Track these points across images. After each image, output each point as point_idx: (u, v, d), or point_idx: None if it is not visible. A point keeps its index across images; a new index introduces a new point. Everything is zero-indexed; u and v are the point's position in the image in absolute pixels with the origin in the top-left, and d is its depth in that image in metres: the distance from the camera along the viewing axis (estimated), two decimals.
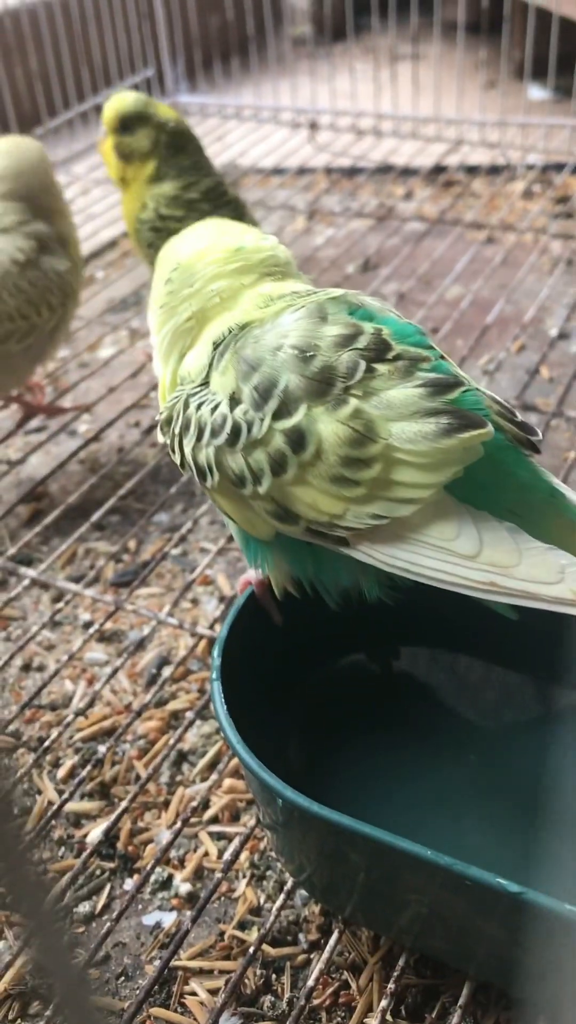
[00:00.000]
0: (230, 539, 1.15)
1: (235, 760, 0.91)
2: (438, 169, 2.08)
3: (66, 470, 1.34)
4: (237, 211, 1.31)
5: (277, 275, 0.78)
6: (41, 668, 1.06)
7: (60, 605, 1.04)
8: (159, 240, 1.24)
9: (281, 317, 0.72)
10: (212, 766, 0.93)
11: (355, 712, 0.89)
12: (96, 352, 1.58)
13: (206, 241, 0.81)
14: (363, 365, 0.68)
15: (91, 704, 0.98)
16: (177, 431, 0.74)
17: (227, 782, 0.91)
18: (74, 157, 2.17)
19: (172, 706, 0.99)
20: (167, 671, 0.99)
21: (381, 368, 0.68)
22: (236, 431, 0.69)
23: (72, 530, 1.24)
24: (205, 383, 0.73)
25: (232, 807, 0.89)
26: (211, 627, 1.03)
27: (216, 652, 0.77)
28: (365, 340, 0.69)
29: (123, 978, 0.79)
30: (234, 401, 0.70)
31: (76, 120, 2.21)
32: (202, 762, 0.93)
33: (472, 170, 2.08)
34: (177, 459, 0.75)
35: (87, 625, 1.11)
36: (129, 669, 1.04)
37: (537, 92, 2.39)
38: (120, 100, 1.31)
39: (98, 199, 2.03)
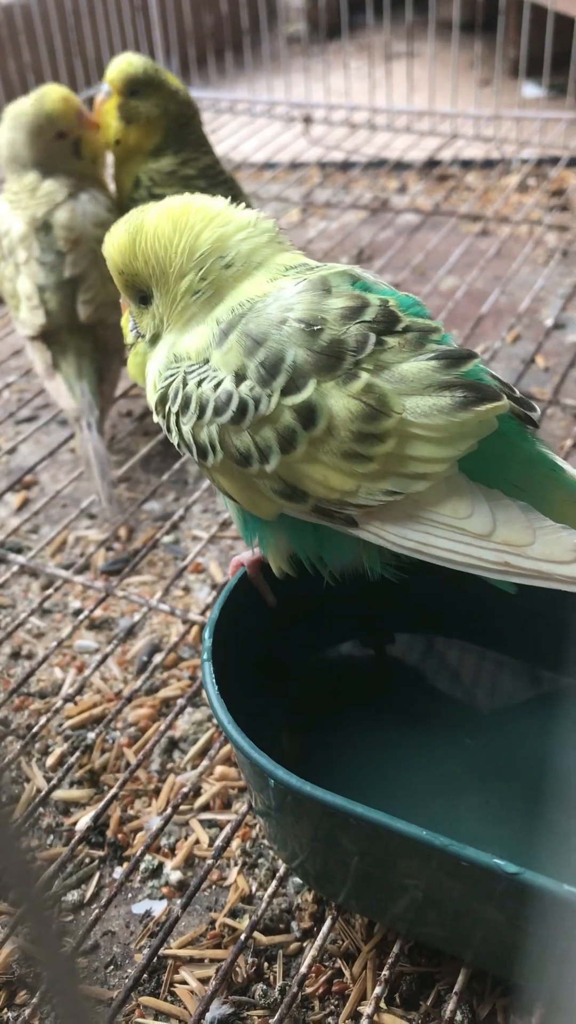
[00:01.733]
0: (222, 526, 1.14)
1: (227, 747, 0.90)
2: (432, 163, 2.07)
3: (56, 459, 1.33)
4: (233, 190, 1.29)
5: (286, 246, 0.76)
6: (30, 656, 1.05)
7: (50, 592, 1.03)
8: None
9: (283, 290, 0.70)
10: (203, 753, 0.91)
11: (349, 698, 0.87)
12: None
13: (223, 220, 0.74)
14: (373, 338, 0.67)
15: (80, 691, 0.96)
16: (174, 410, 0.71)
17: (219, 769, 0.89)
18: None
19: (163, 693, 0.97)
20: (158, 658, 0.97)
21: (391, 341, 0.67)
22: (242, 408, 0.67)
23: (62, 518, 1.23)
24: (205, 362, 0.71)
25: (224, 794, 0.88)
26: (203, 614, 1.01)
27: (207, 633, 0.75)
28: (373, 312, 0.68)
29: (112, 967, 0.77)
30: (239, 377, 0.68)
31: None
32: (193, 749, 0.92)
33: (466, 164, 2.07)
34: (174, 439, 0.73)
35: (77, 612, 1.09)
36: (119, 656, 1.03)
37: (532, 90, 2.38)
38: (130, 62, 1.25)
39: None
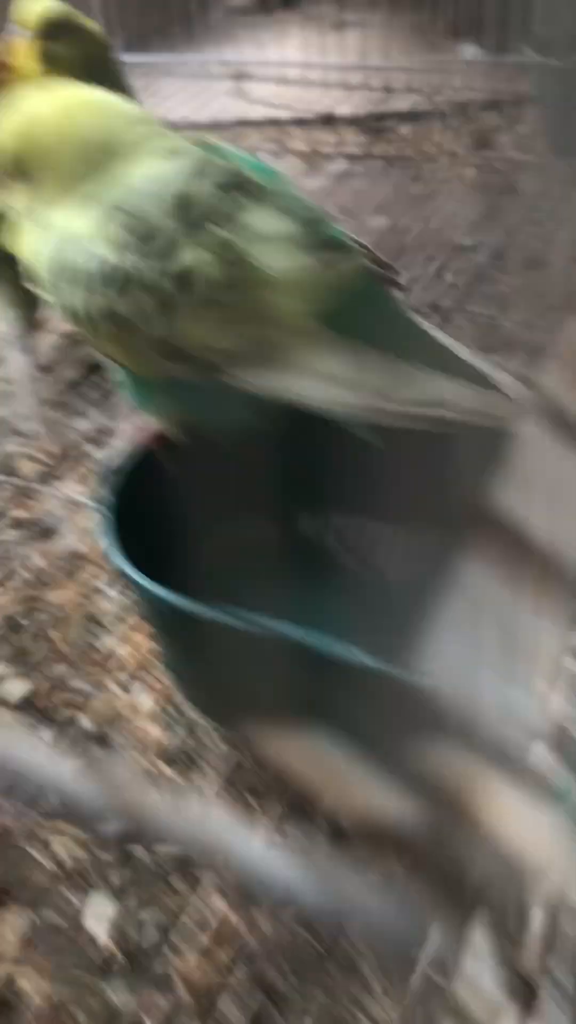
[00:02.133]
0: None
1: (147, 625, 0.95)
2: (366, 117, 2.13)
3: None
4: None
5: (168, 133, 0.81)
6: None
7: None
8: None
9: (148, 164, 0.75)
10: (124, 625, 0.97)
11: (254, 574, 0.92)
12: None
13: (110, 110, 0.79)
14: (231, 199, 0.72)
15: (7, 579, 1.02)
16: (59, 284, 0.76)
17: (138, 639, 0.95)
18: None
19: (83, 579, 1.03)
20: (83, 550, 1.03)
21: (247, 201, 0.73)
22: (120, 276, 0.72)
23: None
24: (85, 237, 0.76)
25: (145, 662, 0.93)
26: None
27: (102, 486, 0.80)
28: (226, 176, 0.73)
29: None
30: (115, 248, 0.73)
31: None
32: (116, 625, 0.97)
33: (399, 116, 2.13)
34: (57, 311, 0.79)
35: (2, 513, 1.14)
36: (44, 549, 1.08)
37: (470, 51, 2.44)
38: (45, 5, 1.25)
39: None
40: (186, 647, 0.75)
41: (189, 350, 0.73)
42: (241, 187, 0.73)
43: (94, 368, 1.33)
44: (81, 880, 0.76)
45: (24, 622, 0.99)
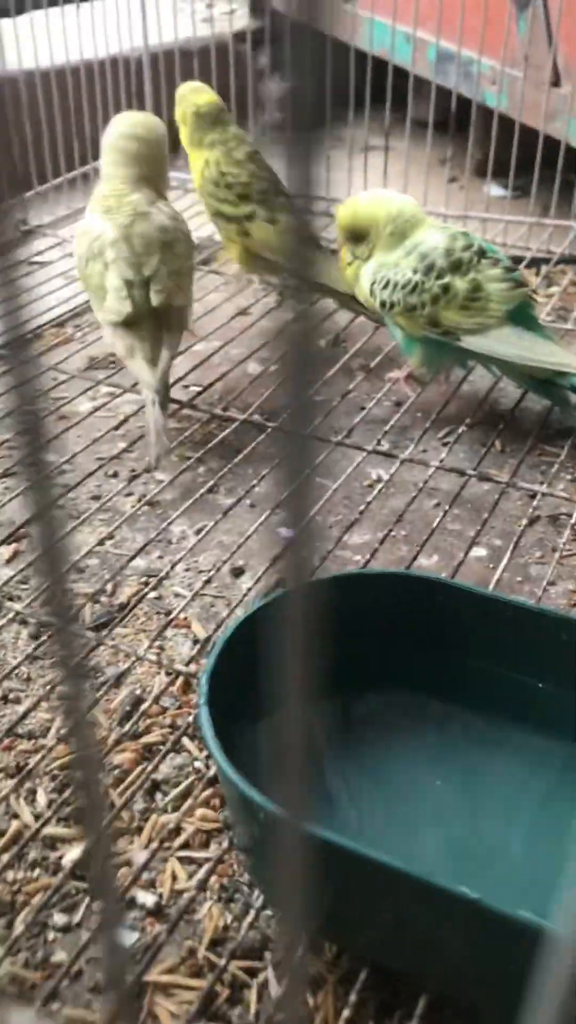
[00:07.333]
0: (205, 584, 1.21)
1: (208, 791, 0.96)
2: None
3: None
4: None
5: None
6: (18, 700, 1.11)
7: (41, 640, 1.09)
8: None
9: (427, 233, 1.52)
10: (185, 796, 0.98)
11: (337, 749, 0.94)
12: (76, 406, 1.64)
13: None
14: (471, 254, 1.47)
15: (69, 736, 1.02)
16: (381, 286, 1.52)
17: (199, 811, 0.96)
18: (59, 221, 2.27)
19: (146, 739, 1.04)
20: (142, 706, 1.04)
21: (477, 257, 1.48)
22: (411, 283, 1.48)
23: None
24: (395, 264, 1.52)
25: (203, 834, 0.94)
26: (187, 665, 1.08)
27: (204, 679, 0.83)
28: (468, 243, 1.49)
29: (95, 992, 0.83)
30: (411, 270, 1.49)
31: (64, 186, 2.32)
32: (175, 791, 0.98)
33: None
34: (376, 301, 1.54)
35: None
36: (104, 705, 1.09)
37: (496, 190, 2.55)
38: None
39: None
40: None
41: (443, 324, 1.47)
42: (474, 250, 1.47)
43: (152, 502, 1.36)
44: None
45: None
